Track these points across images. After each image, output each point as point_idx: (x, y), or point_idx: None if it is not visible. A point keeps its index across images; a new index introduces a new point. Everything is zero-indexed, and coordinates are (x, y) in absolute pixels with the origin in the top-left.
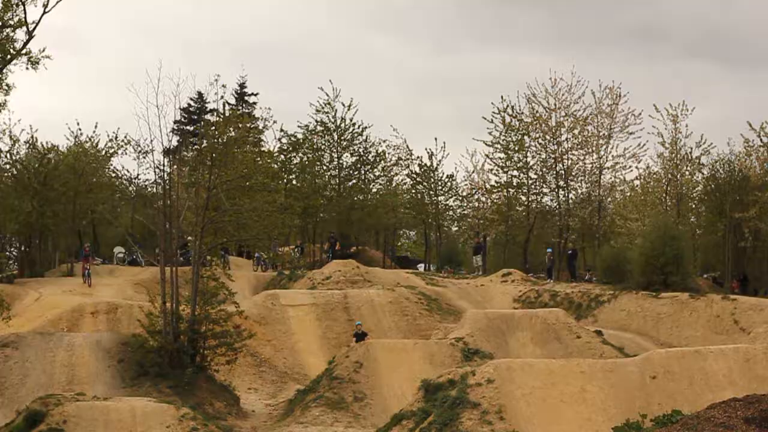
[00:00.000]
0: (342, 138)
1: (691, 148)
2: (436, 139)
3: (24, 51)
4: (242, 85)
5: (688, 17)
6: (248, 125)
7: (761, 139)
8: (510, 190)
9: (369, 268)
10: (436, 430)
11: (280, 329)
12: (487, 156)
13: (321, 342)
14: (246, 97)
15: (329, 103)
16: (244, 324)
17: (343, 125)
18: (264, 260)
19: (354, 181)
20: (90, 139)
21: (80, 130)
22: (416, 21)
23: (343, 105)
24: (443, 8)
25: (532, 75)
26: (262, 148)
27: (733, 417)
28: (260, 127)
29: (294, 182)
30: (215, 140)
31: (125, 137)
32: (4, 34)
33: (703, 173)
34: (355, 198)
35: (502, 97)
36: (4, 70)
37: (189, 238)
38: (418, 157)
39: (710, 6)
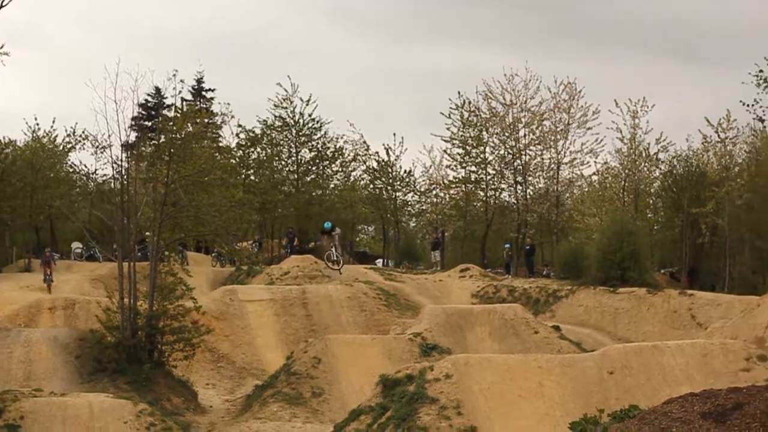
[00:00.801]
0: (300, 133)
1: (650, 144)
2: (394, 134)
3: None
4: (200, 80)
5: (649, 12)
6: (206, 120)
7: (719, 135)
8: (468, 185)
9: None
10: (394, 425)
11: (239, 325)
12: (444, 152)
13: (279, 337)
14: (203, 92)
15: (288, 99)
16: (202, 319)
17: (301, 121)
18: (222, 256)
19: (312, 176)
20: (47, 135)
21: (38, 125)
22: (376, 15)
23: (302, 100)
24: (402, 2)
25: (491, 70)
26: (220, 143)
27: (690, 412)
28: (218, 122)
29: (252, 177)
30: (173, 135)
31: (83, 132)
32: None
33: (660, 169)
34: (314, 193)
35: (459, 92)
36: None
37: (147, 233)
38: (375, 152)
39: (672, 2)
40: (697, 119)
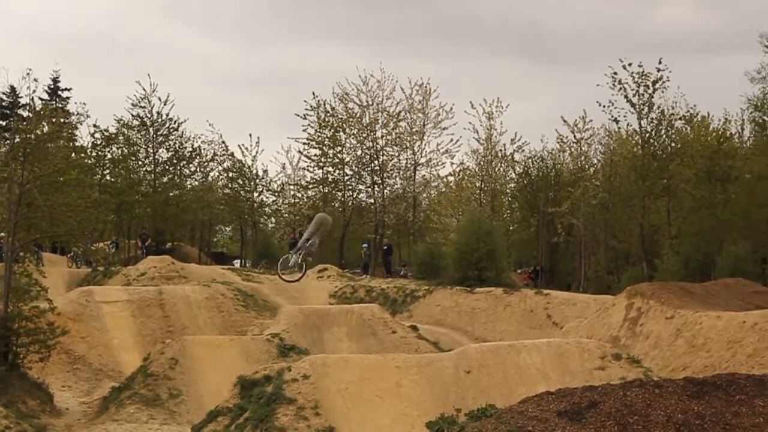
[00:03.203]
0: (158, 133)
1: (505, 145)
2: (250, 135)
3: None
4: (56, 80)
5: (503, 15)
6: (62, 120)
7: (575, 136)
8: (326, 186)
9: (185, 264)
10: (251, 426)
11: (95, 326)
12: (300, 152)
13: (136, 339)
14: (59, 92)
15: (146, 98)
16: (58, 321)
17: (159, 120)
18: (78, 256)
19: (169, 176)
20: None
21: None
22: (230, 14)
23: (160, 100)
24: (258, 3)
25: (350, 70)
26: (76, 143)
27: (546, 410)
28: (74, 122)
29: (108, 177)
30: (28, 135)
31: None
32: None
33: (516, 169)
34: (170, 193)
35: (313, 93)
36: None
37: (1, 234)
38: (231, 153)
39: (527, 4)
40: (554, 119)
